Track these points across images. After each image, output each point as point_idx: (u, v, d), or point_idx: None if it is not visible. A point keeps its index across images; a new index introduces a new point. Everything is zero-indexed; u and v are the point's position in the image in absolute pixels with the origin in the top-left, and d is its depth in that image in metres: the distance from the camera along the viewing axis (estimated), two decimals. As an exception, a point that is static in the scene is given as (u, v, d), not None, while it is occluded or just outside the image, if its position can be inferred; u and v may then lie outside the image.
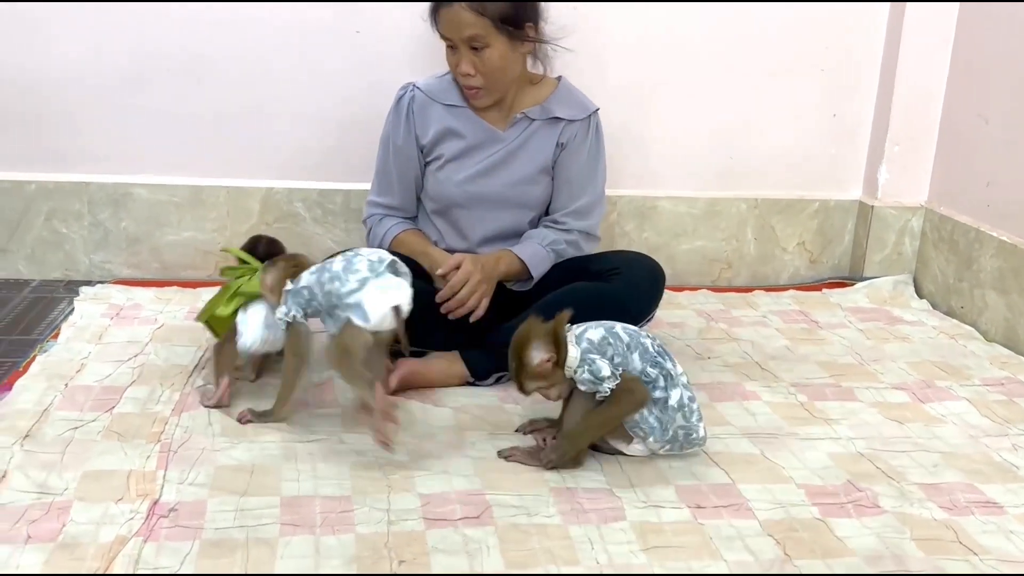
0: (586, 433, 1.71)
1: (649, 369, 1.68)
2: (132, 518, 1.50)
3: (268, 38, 2.62)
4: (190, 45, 2.60)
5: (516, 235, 2.23)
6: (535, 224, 2.26)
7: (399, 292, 1.69)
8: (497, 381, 2.09)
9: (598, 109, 2.25)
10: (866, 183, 2.97)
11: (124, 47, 2.58)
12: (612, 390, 1.65)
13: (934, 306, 2.78)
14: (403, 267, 1.77)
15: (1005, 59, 2.57)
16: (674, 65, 2.80)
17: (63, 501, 1.53)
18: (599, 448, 1.76)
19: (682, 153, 2.88)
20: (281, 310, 1.77)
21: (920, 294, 2.86)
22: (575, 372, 1.65)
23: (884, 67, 2.87)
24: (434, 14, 2.09)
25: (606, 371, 1.63)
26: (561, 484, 1.67)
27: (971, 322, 2.62)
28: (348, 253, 1.75)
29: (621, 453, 1.76)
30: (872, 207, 2.90)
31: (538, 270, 2.17)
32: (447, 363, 2.08)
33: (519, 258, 2.15)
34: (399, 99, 2.23)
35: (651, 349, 1.70)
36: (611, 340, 1.67)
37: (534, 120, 2.20)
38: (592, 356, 1.64)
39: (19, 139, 2.63)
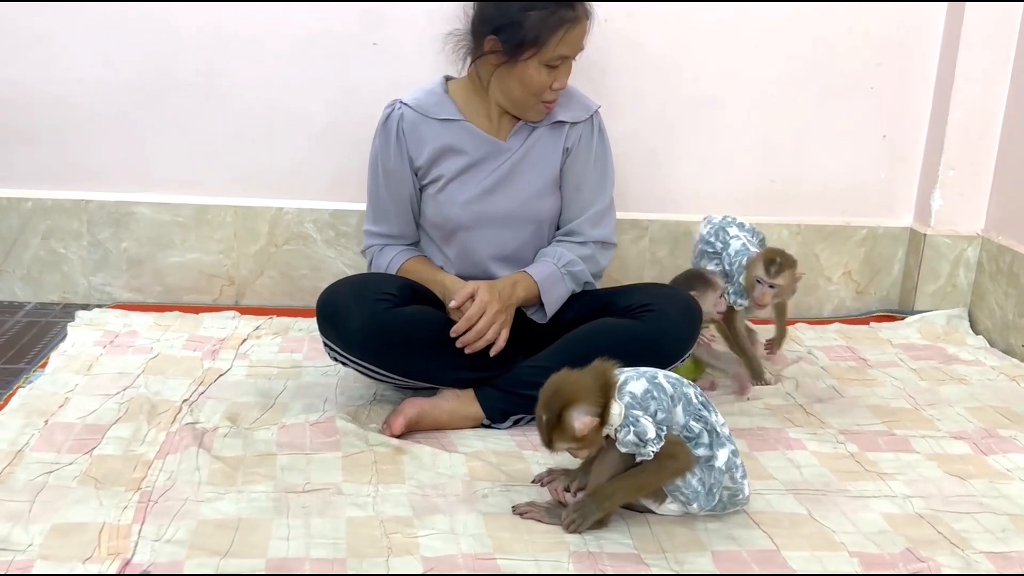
0: (616, 496, 1.52)
1: (692, 423, 1.50)
2: (98, 582, 1.34)
3: (279, 51, 2.50)
4: (197, 60, 2.49)
5: (530, 254, 2.07)
6: (548, 240, 2.10)
7: None
8: (515, 424, 1.92)
9: (600, 107, 2.10)
10: (918, 209, 2.80)
11: (128, 61, 2.47)
12: (655, 453, 1.47)
13: (991, 343, 2.59)
14: None
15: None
16: (712, 84, 2.66)
17: (25, 560, 1.39)
18: (627, 505, 1.58)
19: (720, 176, 2.74)
20: None
21: (976, 330, 2.68)
22: (616, 432, 1.47)
23: (938, 85, 2.70)
24: (554, 35, 1.89)
25: (651, 433, 1.45)
26: (583, 548, 1.49)
27: (1033, 362, 2.44)
28: None
29: (651, 511, 1.57)
30: (924, 235, 2.73)
31: (551, 294, 2.00)
32: (460, 403, 1.92)
33: (535, 280, 1.99)
34: (386, 118, 2.05)
35: (694, 400, 1.52)
36: (655, 393, 1.48)
37: (536, 126, 2.04)
38: (636, 414, 1.45)
39: (16, 154, 2.52)
